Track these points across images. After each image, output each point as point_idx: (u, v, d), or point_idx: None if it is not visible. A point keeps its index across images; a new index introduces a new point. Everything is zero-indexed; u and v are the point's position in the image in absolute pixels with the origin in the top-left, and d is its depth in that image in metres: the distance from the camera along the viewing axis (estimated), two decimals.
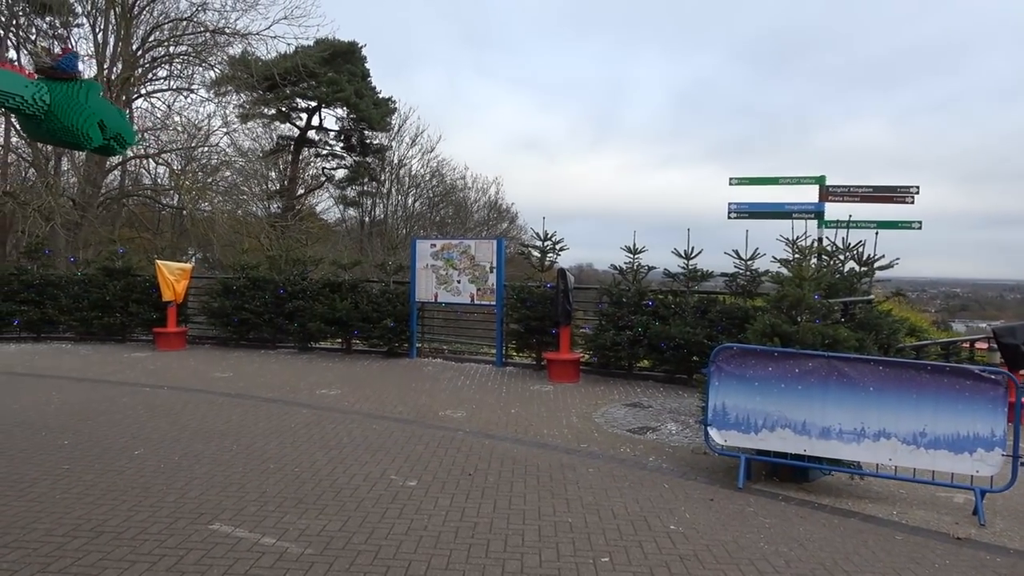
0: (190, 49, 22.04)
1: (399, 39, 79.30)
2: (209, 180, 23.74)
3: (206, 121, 25.48)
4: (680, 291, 10.51)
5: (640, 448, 6.83)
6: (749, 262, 10.09)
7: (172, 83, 23.18)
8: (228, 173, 25.23)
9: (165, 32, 21.96)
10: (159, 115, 22.97)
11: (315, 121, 35.28)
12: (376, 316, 11.89)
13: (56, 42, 21.25)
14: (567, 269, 10.47)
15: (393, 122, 36.22)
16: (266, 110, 31.36)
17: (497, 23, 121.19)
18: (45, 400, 8.13)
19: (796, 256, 8.01)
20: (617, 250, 10.62)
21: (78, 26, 23.44)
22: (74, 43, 22.70)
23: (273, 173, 33.66)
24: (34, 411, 7.56)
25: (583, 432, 7.35)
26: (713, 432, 5.94)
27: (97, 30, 21.61)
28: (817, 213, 10.97)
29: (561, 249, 11.44)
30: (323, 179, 36.90)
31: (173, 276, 12.57)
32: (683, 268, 10.47)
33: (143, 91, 22.90)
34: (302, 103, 34.41)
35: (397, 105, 36.23)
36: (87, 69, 21.73)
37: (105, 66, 21.21)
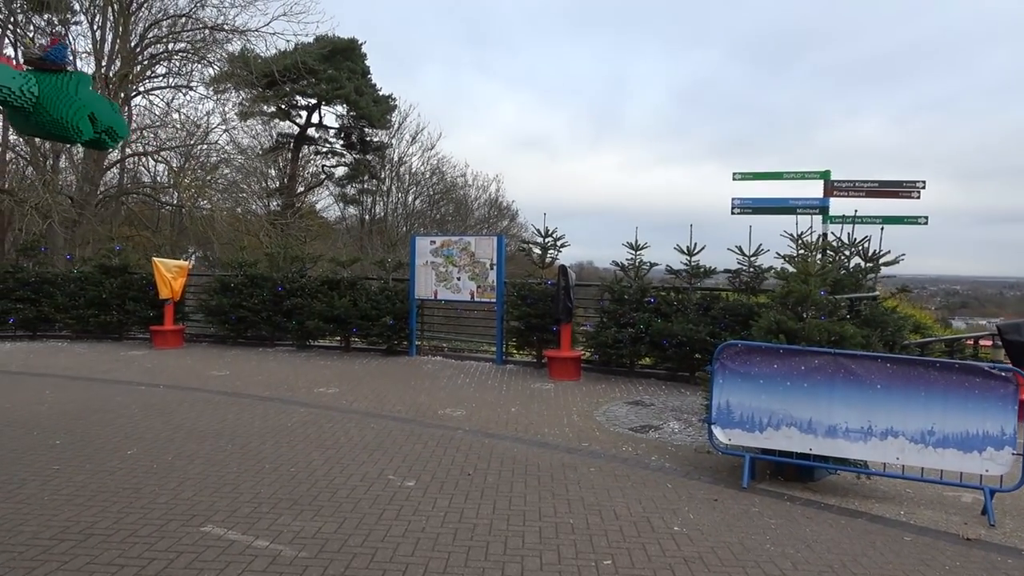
0: (189, 46, 21.90)
1: (399, 37, 79.17)
2: (208, 178, 23.63)
3: (205, 118, 25.34)
4: (683, 288, 10.39)
5: (642, 447, 6.72)
6: (753, 258, 9.97)
7: (171, 80, 23.07)
8: (227, 171, 25.15)
9: (164, 29, 21.84)
10: (158, 113, 22.86)
11: (315, 118, 35.17)
12: (375, 314, 11.78)
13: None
14: (568, 266, 10.36)
15: (393, 119, 36.13)
16: (266, 107, 31.23)
17: (498, 21, 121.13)
18: (38, 399, 8.02)
19: (801, 252, 7.89)
20: (617, 248, 10.52)
21: (76, 23, 23.31)
22: (72, 40, 22.57)
23: (273, 171, 33.56)
24: (26, 410, 7.45)
25: (584, 431, 7.24)
26: (717, 431, 5.83)
27: (95, 27, 21.51)
28: (822, 208, 10.83)
29: (562, 245, 11.35)
30: (323, 177, 36.80)
31: (170, 274, 12.46)
32: (686, 265, 10.36)
33: (142, 88, 22.78)
34: (302, 100, 34.30)
35: (397, 103, 36.15)
36: (85, 66, 21.68)
37: (103, 63, 21.10)
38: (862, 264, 7.99)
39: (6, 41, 21.08)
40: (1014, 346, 10.18)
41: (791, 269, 7.13)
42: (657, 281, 10.93)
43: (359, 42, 34.04)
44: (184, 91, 23.14)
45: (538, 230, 11.41)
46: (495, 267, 11.27)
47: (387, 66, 69.37)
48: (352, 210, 37.83)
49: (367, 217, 37.40)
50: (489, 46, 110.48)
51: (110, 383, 9.11)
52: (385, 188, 36.67)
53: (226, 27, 21.23)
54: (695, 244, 10.28)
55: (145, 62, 22.34)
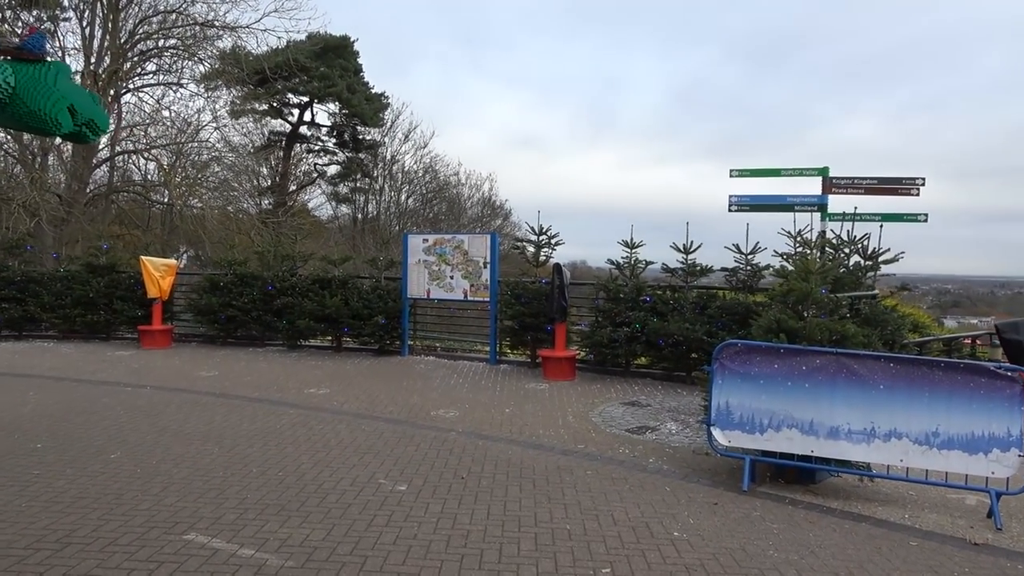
0: (179, 43, 21.68)
1: (392, 35, 78.87)
2: (199, 176, 23.39)
3: (196, 116, 25.08)
4: (679, 286, 10.26)
5: (639, 449, 6.58)
6: (750, 256, 9.85)
7: (161, 77, 22.85)
8: (218, 169, 24.92)
9: (153, 25, 21.61)
10: (148, 110, 22.60)
11: (307, 116, 34.95)
12: (367, 313, 11.60)
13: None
14: (562, 265, 10.21)
15: (386, 118, 35.96)
16: (257, 105, 30.96)
17: (492, 19, 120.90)
18: (22, 400, 7.82)
19: (799, 249, 7.76)
20: (612, 247, 10.43)
21: (66, 20, 23.02)
22: (61, 36, 22.30)
23: (264, 169, 33.35)
24: (9, 412, 7.26)
25: (580, 432, 7.10)
26: (716, 432, 5.69)
27: (84, 23, 21.26)
28: (820, 205, 10.72)
29: (557, 244, 11.19)
30: (315, 175, 36.58)
31: (158, 272, 12.26)
32: (682, 263, 10.22)
33: (131, 86, 22.54)
34: (294, 98, 34.06)
35: (390, 101, 35.98)
36: (75, 63, 21.42)
37: (92, 60, 20.85)
38: (862, 262, 7.87)
39: None
40: (1012, 345, 10.11)
41: (790, 267, 7.00)
42: (653, 280, 10.80)
43: (351, 39, 33.85)
44: (174, 88, 22.94)
45: (532, 228, 11.27)
46: (488, 265, 11.12)
47: (380, 64, 69.27)
48: (344, 209, 37.68)
49: (359, 216, 37.19)
50: (484, 44, 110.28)
51: (96, 384, 8.92)
52: (378, 187, 36.47)
53: (216, 23, 21.06)
54: (691, 242, 10.16)
55: (135, 59, 22.10)
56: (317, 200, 37.52)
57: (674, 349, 9.59)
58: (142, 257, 12.46)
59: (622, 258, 10.59)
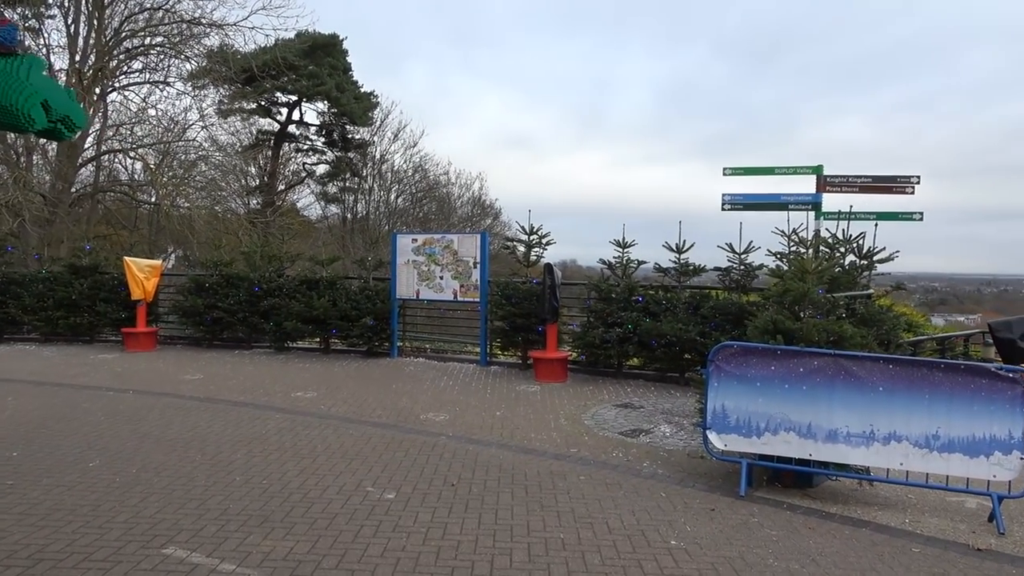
0: (166, 40, 21.38)
1: (382, 34, 78.44)
2: (186, 175, 23.10)
3: (183, 115, 24.81)
4: (671, 286, 10.14)
5: (633, 452, 6.44)
6: (743, 255, 9.75)
7: (147, 76, 22.53)
8: (206, 168, 24.61)
9: (140, 22, 21.30)
10: (134, 109, 22.30)
11: (295, 115, 34.61)
12: (355, 314, 11.42)
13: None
14: (553, 264, 10.07)
15: (375, 117, 35.64)
16: (245, 104, 30.65)
17: (483, 19, 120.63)
18: None
19: (794, 248, 7.65)
20: (604, 247, 10.29)
21: (50, 17, 22.67)
22: (46, 34, 21.97)
23: (252, 168, 33.00)
24: None
25: (572, 436, 6.96)
26: (712, 436, 5.57)
27: (69, 20, 20.93)
28: (814, 204, 10.63)
29: (548, 243, 11.04)
30: (304, 175, 36.25)
31: (142, 274, 12.03)
32: (674, 262, 10.11)
33: (117, 84, 22.22)
34: (282, 97, 33.70)
35: (379, 100, 35.69)
36: (60, 61, 21.09)
37: (77, 57, 20.53)
38: (857, 261, 7.77)
39: None
40: (1005, 343, 10.06)
41: (785, 267, 6.89)
42: (645, 280, 10.67)
43: (340, 38, 33.56)
44: (161, 87, 22.63)
45: (522, 228, 11.12)
46: (479, 266, 10.97)
47: (369, 63, 68.81)
48: (334, 208, 37.32)
49: (349, 215, 36.89)
50: (474, 44, 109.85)
51: (77, 388, 8.70)
52: (367, 186, 36.16)
53: (204, 21, 20.74)
54: (684, 241, 10.05)
55: (121, 56, 21.78)
56: (306, 200, 37.24)
57: (667, 350, 9.47)
58: (126, 258, 12.22)
59: (614, 258, 10.46)
